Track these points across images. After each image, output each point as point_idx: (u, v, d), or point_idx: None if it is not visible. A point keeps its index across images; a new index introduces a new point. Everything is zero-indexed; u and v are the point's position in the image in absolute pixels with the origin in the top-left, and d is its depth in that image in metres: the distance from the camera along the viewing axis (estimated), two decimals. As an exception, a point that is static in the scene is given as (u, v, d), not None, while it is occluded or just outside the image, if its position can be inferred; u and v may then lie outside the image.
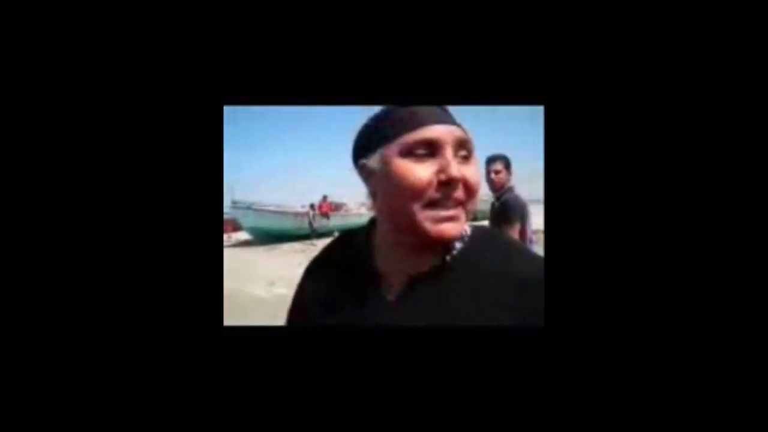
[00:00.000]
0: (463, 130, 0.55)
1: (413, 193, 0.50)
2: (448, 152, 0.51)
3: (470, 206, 0.52)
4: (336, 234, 0.68)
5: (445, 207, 0.50)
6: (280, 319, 0.59)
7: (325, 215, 12.14)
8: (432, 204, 0.50)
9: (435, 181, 0.50)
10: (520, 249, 0.53)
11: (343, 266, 0.59)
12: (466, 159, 0.52)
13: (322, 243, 0.67)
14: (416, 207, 0.50)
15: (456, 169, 0.50)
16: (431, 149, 0.52)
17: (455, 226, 0.50)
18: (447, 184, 0.50)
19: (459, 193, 0.50)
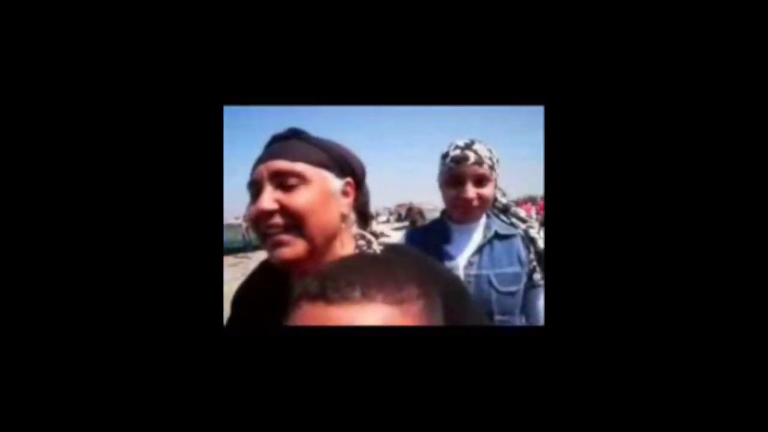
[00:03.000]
0: (306, 158, 0.59)
1: (254, 233, 0.59)
2: (266, 187, 0.57)
3: (307, 229, 0.57)
4: None
5: (271, 234, 0.56)
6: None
7: None
8: (263, 234, 0.57)
9: (253, 216, 0.57)
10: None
11: (263, 293, 0.63)
12: (292, 187, 0.58)
13: (256, 256, 0.71)
14: (262, 241, 0.58)
15: (266, 201, 0.56)
16: (256, 190, 0.59)
17: (287, 250, 0.56)
18: (262, 215, 0.56)
19: (277, 220, 0.56)
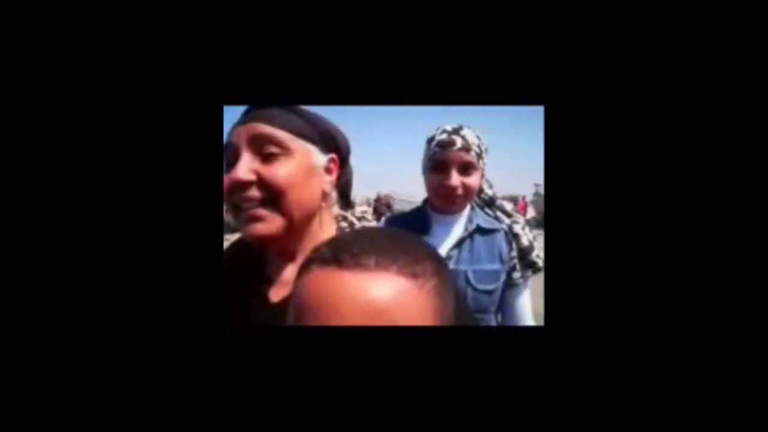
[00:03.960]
0: (289, 126, 0.53)
1: (226, 204, 0.52)
2: (244, 154, 0.51)
3: (285, 205, 0.51)
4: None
5: (244, 208, 0.51)
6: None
7: None
8: (236, 208, 0.52)
9: (228, 186, 0.51)
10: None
11: (237, 272, 0.60)
12: (272, 157, 0.51)
13: (234, 237, 0.67)
14: (233, 214, 0.53)
15: (242, 171, 0.50)
16: (232, 156, 0.52)
17: (262, 226, 0.51)
18: (237, 186, 0.50)
19: (253, 193, 0.51)
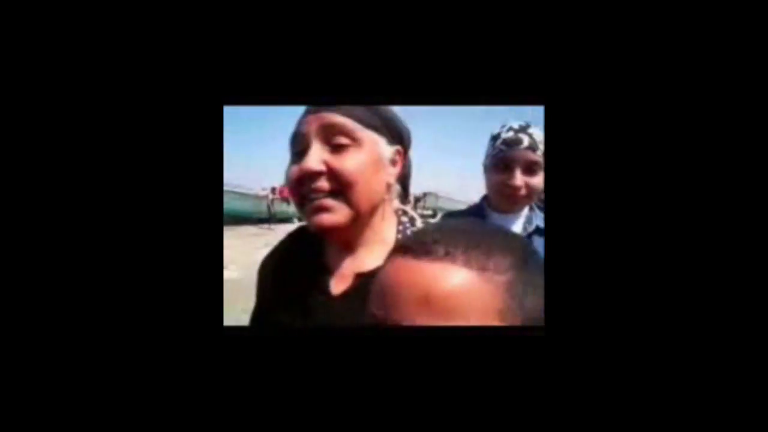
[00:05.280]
0: (358, 117, 0.52)
1: (291, 193, 0.52)
2: (314, 144, 0.51)
3: (353, 196, 0.51)
4: (295, 221, 0.68)
5: (311, 199, 0.51)
6: (229, 304, 0.59)
7: (285, 200, 11.26)
8: (303, 198, 0.52)
9: (297, 176, 0.51)
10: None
11: (295, 263, 0.59)
12: (343, 148, 0.51)
13: (280, 228, 0.66)
14: (299, 204, 0.52)
15: (313, 161, 0.49)
16: (302, 145, 0.52)
17: (329, 216, 0.50)
18: (307, 177, 0.50)
19: (322, 184, 0.50)
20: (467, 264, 0.33)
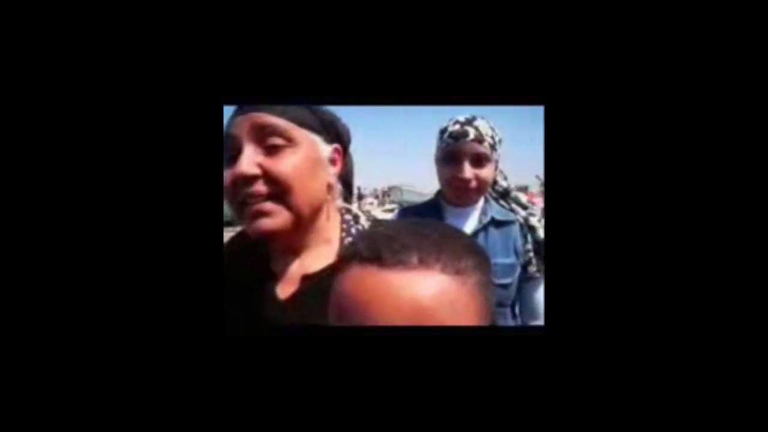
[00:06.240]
0: (293, 116, 0.50)
1: (227, 198, 0.49)
2: (246, 146, 0.48)
3: (292, 199, 0.48)
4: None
5: (251, 203, 0.48)
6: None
7: None
8: (242, 203, 0.49)
9: (231, 181, 0.48)
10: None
11: (238, 270, 0.57)
12: (277, 149, 0.48)
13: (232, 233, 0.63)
14: (237, 209, 0.49)
15: (246, 164, 0.46)
16: (234, 149, 0.49)
17: (269, 221, 0.48)
18: (241, 181, 0.47)
19: (259, 188, 0.48)
20: (444, 270, 0.32)
